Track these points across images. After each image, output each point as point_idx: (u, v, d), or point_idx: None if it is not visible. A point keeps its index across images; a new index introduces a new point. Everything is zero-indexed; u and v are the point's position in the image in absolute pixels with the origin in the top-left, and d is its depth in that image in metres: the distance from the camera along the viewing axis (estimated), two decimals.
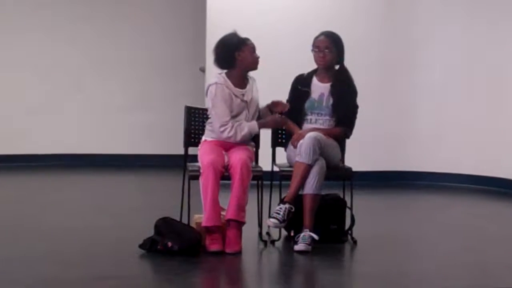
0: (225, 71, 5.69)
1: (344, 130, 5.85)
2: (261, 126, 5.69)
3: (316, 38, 5.88)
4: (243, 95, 5.66)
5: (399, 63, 8.71)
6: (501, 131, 8.33)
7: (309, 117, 5.86)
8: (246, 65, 5.67)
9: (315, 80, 5.90)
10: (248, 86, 5.71)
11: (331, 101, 5.83)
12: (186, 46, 9.89)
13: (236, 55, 5.62)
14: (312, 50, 5.86)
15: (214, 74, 5.74)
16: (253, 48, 5.65)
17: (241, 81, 5.69)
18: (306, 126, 5.84)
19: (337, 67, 5.92)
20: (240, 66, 5.66)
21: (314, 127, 5.76)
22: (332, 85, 5.84)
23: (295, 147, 5.66)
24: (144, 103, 10.02)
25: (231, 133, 5.58)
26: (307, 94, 5.87)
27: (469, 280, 4.97)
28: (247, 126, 5.62)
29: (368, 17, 8.66)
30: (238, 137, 5.59)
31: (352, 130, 5.89)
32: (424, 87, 8.71)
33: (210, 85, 5.67)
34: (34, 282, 4.68)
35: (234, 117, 5.63)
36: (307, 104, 5.85)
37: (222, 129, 5.59)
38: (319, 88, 5.87)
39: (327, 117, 5.83)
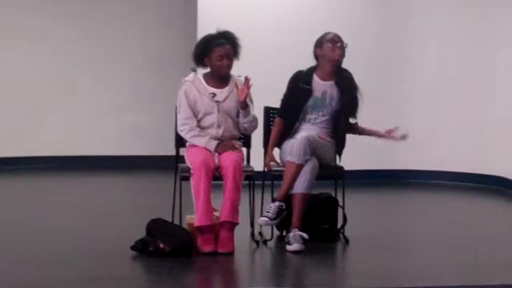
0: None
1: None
2: (218, 149, 5.56)
3: (327, 33, 5.82)
4: (214, 95, 5.63)
5: (392, 62, 8.71)
6: (493, 129, 8.34)
7: (309, 116, 5.82)
8: (212, 70, 5.66)
9: (315, 77, 5.84)
10: (226, 87, 5.67)
11: (335, 99, 5.80)
12: (177, 47, 9.86)
13: (205, 60, 5.62)
14: (325, 44, 5.77)
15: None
16: (221, 56, 5.55)
17: (217, 81, 5.65)
18: (306, 126, 5.81)
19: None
20: (211, 69, 5.66)
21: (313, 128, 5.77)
22: (336, 83, 5.81)
23: (268, 170, 5.71)
24: (135, 104, 9.99)
25: (187, 136, 5.60)
26: (309, 92, 5.81)
27: (461, 277, 4.97)
28: (205, 141, 5.54)
29: (362, 16, 8.65)
30: (191, 141, 5.59)
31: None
32: (416, 85, 8.71)
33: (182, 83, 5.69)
34: (24, 284, 4.66)
35: (202, 117, 5.61)
36: (310, 103, 5.79)
37: (181, 128, 5.61)
38: (322, 86, 5.81)
39: (327, 117, 5.81)
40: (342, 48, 5.79)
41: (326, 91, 5.80)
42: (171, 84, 9.84)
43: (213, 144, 5.55)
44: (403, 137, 5.91)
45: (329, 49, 5.78)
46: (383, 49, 8.68)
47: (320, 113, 5.80)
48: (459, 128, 8.57)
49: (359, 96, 5.86)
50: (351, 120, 5.89)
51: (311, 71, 5.85)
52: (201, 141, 5.57)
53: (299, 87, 5.81)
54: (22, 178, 9.15)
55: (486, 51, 8.39)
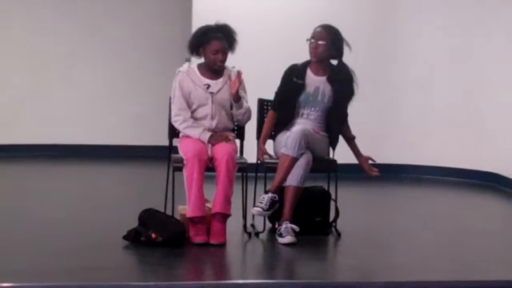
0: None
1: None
2: (212, 140, 5.56)
3: (314, 29, 5.83)
4: (208, 86, 5.63)
5: (385, 57, 8.71)
6: (485, 125, 8.36)
7: (302, 111, 5.82)
8: (206, 62, 5.66)
9: (309, 72, 5.83)
10: (220, 79, 5.67)
11: (326, 95, 5.80)
12: (172, 37, 9.84)
13: (200, 50, 5.64)
14: (308, 40, 5.81)
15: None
16: (216, 50, 5.57)
17: (211, 73, 5.66)
18: (299, 120, 5.80)
19: (335, 62, 5.86)
20: (205, 60, 5.67)
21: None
22: (328, 78, 5.80)
23: (261, 162, 5.70)
24: (129, 94, 9.98)
25: (181, 127, 5.60)
26: (302, 86, 5.80)
27: (452, 272, 4.98)
28: (199, 132, 5.55)
29: (354, 12, 8.64)
30: (185, 132, 5.60)
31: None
32: (408, 82, 8.72)
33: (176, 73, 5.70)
34: (17, 273, 4.65)
35: (196, 108, 5.61)
36: (302, 98, 5.79)
37: (175, 119, 5.62)
38: (314, 81, 5.80)
39: (319, 112, 5.81)
40: (325, 45, 5.74)
41: (318, 87, 5.79)
42: (165, 75, 9.81)
43: (206, 136, 5.55)
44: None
45: (309, 44, 5.79)
46: (374, 46, 8.67)
47: (313, 109, 5.80)
48: (452, 123, 8.58)
49: (355, 89, 5.84)
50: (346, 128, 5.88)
51: (305, 65, 5.85)
52: (194, 132, 5.57)
53: (292, 81, 5.81)
54: (19, 166, 9.11)
55: (478, 47, 8.39)
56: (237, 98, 5.58)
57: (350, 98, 5.86)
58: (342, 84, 5.81)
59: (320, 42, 5.75)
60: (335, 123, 5.82)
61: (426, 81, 8.69)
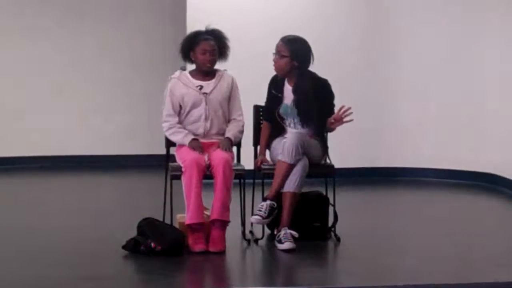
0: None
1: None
2: (191, 144, 5.55)
3: (277, 42, 5.83)
4: (201, 87, 5.65)
5: (381, 60, 8.71)
6: (483, 126, 8.36)
7: (287, 121, 5.83)
8: (197, 65, 5.69)
9: (286, 84, 5.83)
10: (212, 80, 5.68)
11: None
12: (166, 46, 9.83)
13: (190, 54, 5.68)
14: (273, 54, 5.82)
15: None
16: (204, 50, 5.61)
17: (202, 75, 5.69)
18: (289, 130, 5.80)
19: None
20: (196, 64, 5.70)
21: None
22: (293, 91, 5.76)
23: (259, 169, 5.70)
24: (124, 104, 9.97)
25: (167, 133, 5.66)
26: (280, 99, 5.81)
27: (453, 274, 4.98)
28: (181, 137, 5.58)
29: (349, 14, 8.65)
30: (170, 138, 5.66)
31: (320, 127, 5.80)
32: (404, 83, 8.72)
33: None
34: (15, 283, 4.65)
35: (190, 110, 5.64)
36: (281, 110, 5.80)
37: (163, 124, 5.68)
38: (290, 93, 5.80)
39: (301, 122, 5.79)
40: (284, 57, 5.70)
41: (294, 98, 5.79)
42: (161, 84, 9.74)
43: (188, 139, 5.57)
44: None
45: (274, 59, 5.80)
46: (370, 48, 8.67)
47: (294, 119, 5.80)
48: (449, 125, 8.58)
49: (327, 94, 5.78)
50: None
51: (284, 77, 5.86)
52: (178, 137, 5.61)
53: (272, 93, 5.86)
54: (15, 178, 9.10)
55: (475, 48, 8.39)
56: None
57: (323, 100, 5.76)
58: (307, 90, 5.72)
59: (278, 55, 5.75)
60: (317, 130, 5.78)
61: (422, 83, 8.69)
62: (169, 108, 5.66)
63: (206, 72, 5.69)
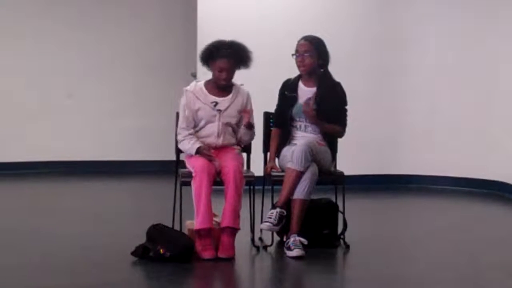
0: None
1: (340, 128, 5.83)
2: (199, 150, 5.55)
3: (298, 42, 5.86)
4: (216, 103, 5.65)
5: (389, 66, 8.71)
6: (492, 134, 8.35)
7: (298, 123, 5.84)
8: (214, 77, 5.69)
9: (301, 84, 5.86)
10: (228, 96, 5.68)
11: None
12: (178, 51, 9.89)
13: (209, 62, 5.67)
14: (293, 55, 5.84)
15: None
16: (220, 68, 5.58)
17: (218, 90, 5.68)
18: (297, 133, 5.83)
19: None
20: (212, 75, 5.70)
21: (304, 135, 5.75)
22: (317, 89, 5.80)
23: (268, 174, 5.71)
24: (135, 109, 10.01)
25: (179, 144, 5.67)
26: (294, 99, 5.82)
27: (461, 282, 4.97)
28: (191, 146, 5.56)
29: (358, 21, 8.66)
30: (181, 148, 5.67)
31: (344, 129, 5.86)
32: (414, 90, 8.72)
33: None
34: None
35: (204, 126, 5.64)
36: (294, 110, 5.81)
37: (178, 137, 5.68)
38: (306, 93, 5.82)
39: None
40: (311, 56, 5.75)
41: (310, 98, 5.79)
42: (172, 89, 9.89)
43: (194, 148, 5.57)
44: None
45: (295, 59, 5.82)
46: (382, 53, 8.68)
47: (306, 120, 5.80)
48: (459, 132, 8.57)
49: (339, 101, 5.81)
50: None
51: (297, 78, 5.89)
52: (186, 147, 5.61)
53: (285, 96, 5.86)
54: (25, 183, 9.14)
55: (486, 54, 8.38)
56: (250, 126, 5.64)
57: (343, 94, 5.82)
58: (329, 87, 5.79)
59: (306, 54, 5.76)
60: (335, 112, 5.79)
61: (433, 90, 8.68)
62: (182, 121, 5.66)
63: (219, 87, 5.69)
